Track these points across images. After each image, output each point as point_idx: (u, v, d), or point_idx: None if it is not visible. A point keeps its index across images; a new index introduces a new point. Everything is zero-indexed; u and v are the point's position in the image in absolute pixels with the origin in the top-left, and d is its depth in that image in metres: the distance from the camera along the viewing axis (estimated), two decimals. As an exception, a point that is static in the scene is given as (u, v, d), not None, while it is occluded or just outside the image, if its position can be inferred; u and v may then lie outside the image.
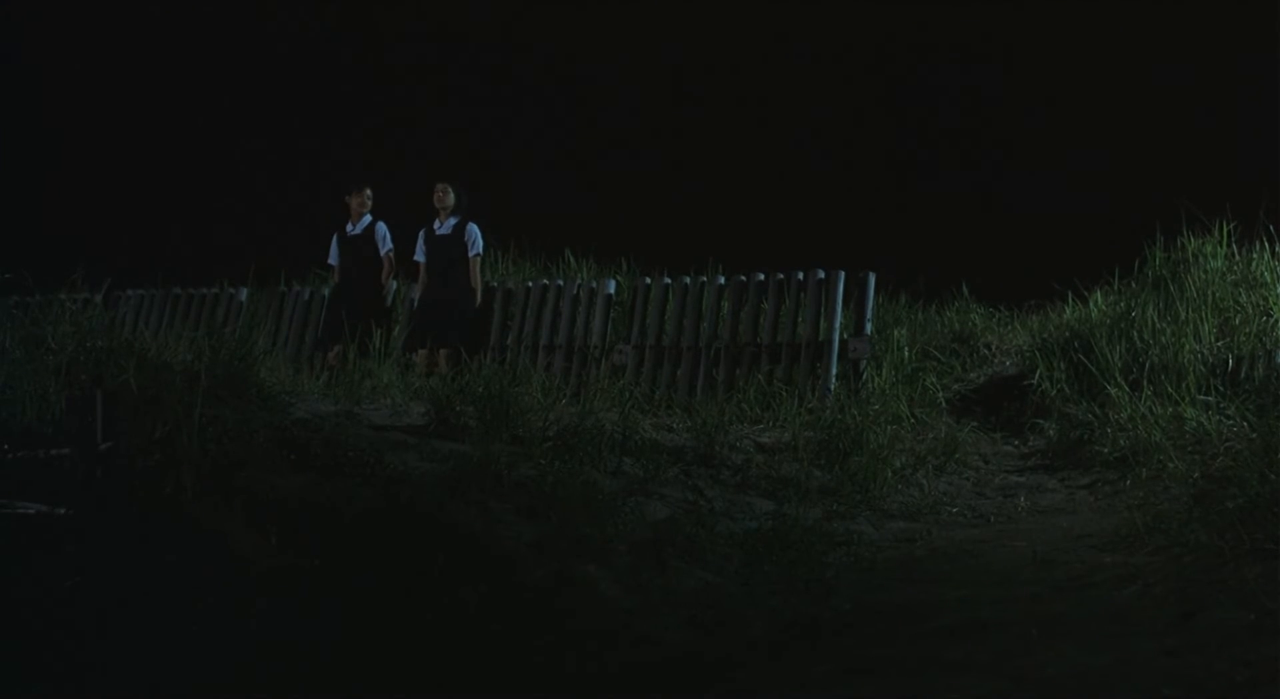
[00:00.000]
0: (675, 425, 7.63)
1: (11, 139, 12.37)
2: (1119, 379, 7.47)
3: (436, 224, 9.88)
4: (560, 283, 9.90)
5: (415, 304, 9.90)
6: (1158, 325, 7.88)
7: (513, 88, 15.51)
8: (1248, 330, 7.72)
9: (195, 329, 9.94)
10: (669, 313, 9.34)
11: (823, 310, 8.75)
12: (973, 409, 8.41)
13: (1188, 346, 7.59)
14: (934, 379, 8.63)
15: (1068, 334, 8.40)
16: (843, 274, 8.83)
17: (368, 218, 10.20)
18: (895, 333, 9.04)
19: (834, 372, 8.52)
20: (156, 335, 8.28)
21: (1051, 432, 7.58)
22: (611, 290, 9.68)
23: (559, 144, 14.80)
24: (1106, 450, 6.95)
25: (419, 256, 9.91)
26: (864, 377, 8.42)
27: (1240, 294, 8.10)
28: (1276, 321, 7.74)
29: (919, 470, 6.95)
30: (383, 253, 10.12)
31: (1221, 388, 7.21)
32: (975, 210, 12.85)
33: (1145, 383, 7.40)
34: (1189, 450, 6.38)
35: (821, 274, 8.88)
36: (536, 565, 4.86)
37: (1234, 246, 8.64)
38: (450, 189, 9.89)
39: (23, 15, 14.34)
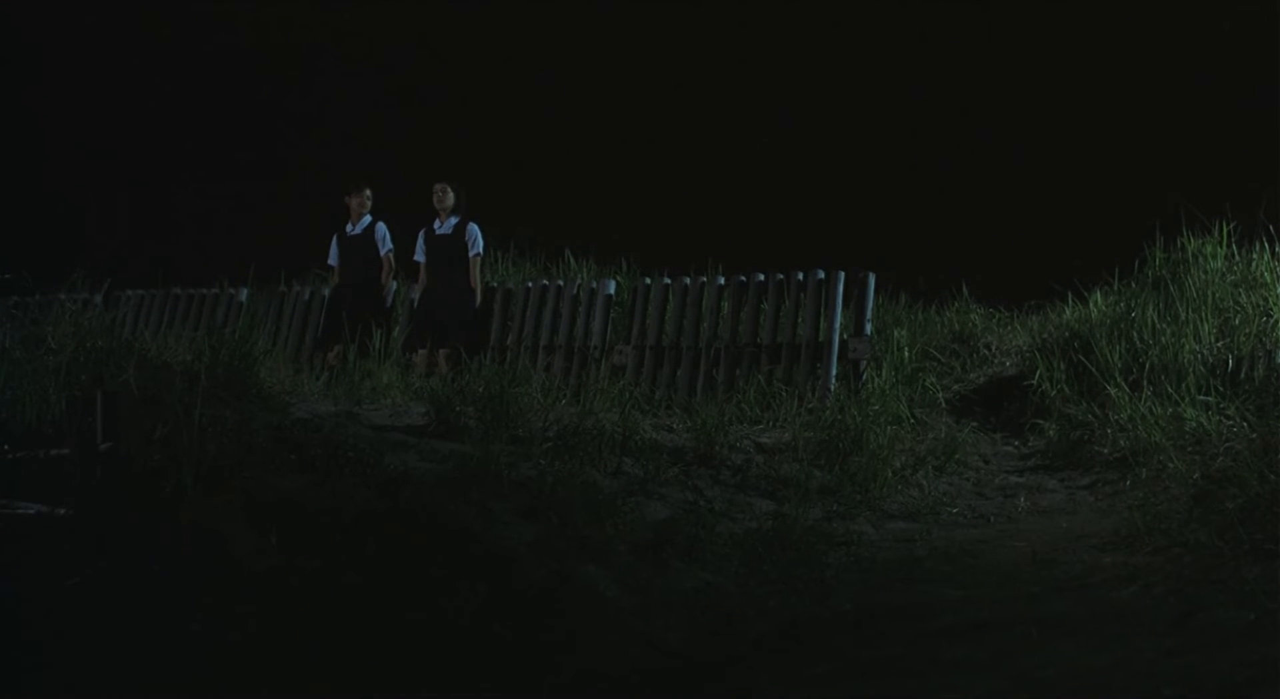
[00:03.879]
0: (675, 425, 7.63)
1: (11, 139, 12.37)
2: (1119, 379, 7.47)
3: (436, 224, 9.87)
4: (560, 283, 9.90)
5: (415, 304, 9.90)
6: (1158, 325, 7.88)
7: (512, 87, 15.51)
8: (1248, 330, 7.72)
9: (195, 329, 9.95)
10: (669, 313, 9.34)
11: (823, 311, 8.75)
12: (973, 409, 8.41)
13: (1188, 347, 7.59)
14: (934, 379, 8.63)
15: (1068, 334, 8.40)
16: (842, 274, 8.82)
17: (368, 218, 10.19)
18: (895, 333, 9.03)
19: (834, 372, 8.52)
20: (156, 335, 8.28)
21: (1051, 432, 7.58)
22: (611, 290, 9.67)
23: (558, 144, 14.80)
24: (1106, 450, 6.96)
25: (419, 256, 9.90)
26: (864, 377, 8.42)
27: (1240, 294, 8.10)
28: (1276, 322, 7.73)
29: (919, 470, 6.95)
30: (383, 253, 10.12)
31: (1221, 388, 7.21)
32: (975, 210, 12.84)
33: (1145, 383, 7.40)
34: (1189, 450, 6.38)
35: (821, 274, 8.88)
36: (536, 565, 4.86)
37: (1234, 247, 8.64)
38: (450, 189, 9.89)
39: (23, 14, 14.34)
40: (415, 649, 4.20)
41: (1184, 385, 7.19)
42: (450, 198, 9.86)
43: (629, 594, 4.90)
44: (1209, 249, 8.64)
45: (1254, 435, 5.60)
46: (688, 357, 9.10)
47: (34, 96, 14.26)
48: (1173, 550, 4.85)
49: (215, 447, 4.94)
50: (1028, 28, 13.36)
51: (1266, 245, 8.49)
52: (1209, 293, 8.09)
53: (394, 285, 10.29)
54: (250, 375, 6.13)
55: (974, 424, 8.07)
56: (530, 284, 10.00)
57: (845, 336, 8.66)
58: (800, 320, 8.85)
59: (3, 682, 3.80)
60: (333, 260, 10.30)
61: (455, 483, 5.57)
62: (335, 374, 8.81)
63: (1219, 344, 7.66)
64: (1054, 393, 7.88)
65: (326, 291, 10.49)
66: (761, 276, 9.15)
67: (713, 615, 4.75)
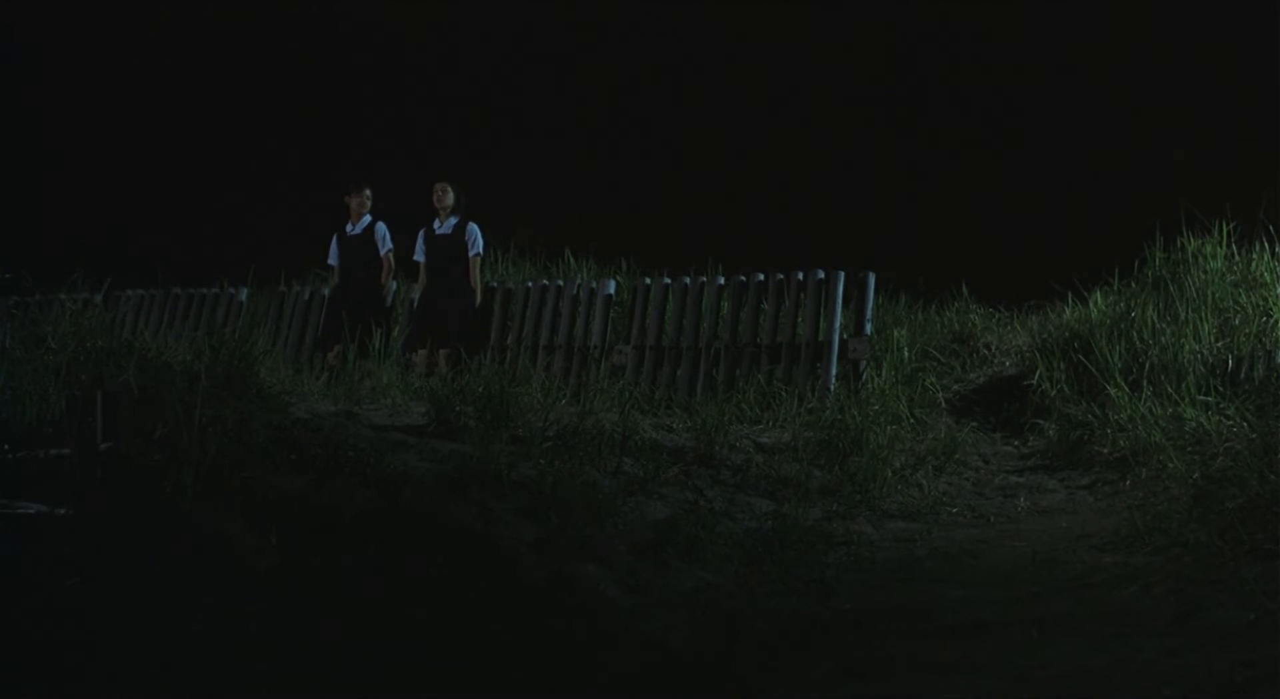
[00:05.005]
0: (675, 425, 7.63)
1: (12, 139, 12.37)
2: (1119, 379, 7.47)
3: (436, 224, 9.87)
4: (560, 283, 9.90)
5: (415, 304, 9.90)
6: (1158, 325, 7.88)
7: (512, 87, 15.51)
8: (1248, 330, 7.72)
9: (195, 329, 9.95)
10: (669, 313, 9.34)
11: (822, 311, 8.75)
12: (973, 409, 8.41)
13: (1188, 347, 7.60)
14: (934, 379, 8.63)
15: (1068, 334, 8.39)
16: (842, 274, 8.83)
17: (368, 218, 10.19)
18: (895, 333, 9.03)
19: (834, 372, 8.52)
20: (156, 335, 8.28)
21: (1051, 432, 7.58)
22: (611, 290, 9.67)
23: (559, 144, 14.81)
24: (1106, 450, 6.95)
25: (419, 256, 9.91)
26: (864, 377, 8.42)
27: (1240, 294, 8.10)
28: (1276, 322, 7.74)
29: (919, 470, 6.95)
30: (382, 253, 10.12)
31: (1221, 388, 7.21)
32: (975, 210, 12.84)
33: (1145, 383, 7.40)
34: (1189, 450, 6.38)
35: (821, 274, 8.88)
36: (536, 565, 4.87)
37: (1234, 246, 8.64)
38: (450, 189, 9.89)
39: (23, 15, 14.34)
40: (415, 649, 4.20)
41: (1184, 385, 7.19)
42: (450, 197, 9.86)
43: (629, 594, 4.90)
44: (1209, 249, 8.64)
45: (1254, 435, 5.60)
46: (688, 357, 9.10)
47: (34, 96, 14.26)
48: (1173, 550, 4.86)
49: (215, 446, 4.94)
50: (1029, 28, 13.36)
51: (1266, 245, 8.49)
52: (1209, 293, 8.09)
53: (394, 285, 10.29)
54: (250, 375, 6.13)
55: (974, 424, 8.07)
56: (530, 284, 10.00)
57: (845, 336, 8.66)
58: (800, 320, 8.85)
59: (3, 683, 3.79)
60: (333, 260, 10.30)
61: (455, 483, 5.57)
62: (335, 374, 8.81)
63: (1219, 344, 7.66)
64: (1054, 393, 7.88)
65: (326, 291, 10.49)
66: (761, 276, 9.15)
67: (713, 615, 4.75)
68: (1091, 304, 8.77)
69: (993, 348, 9.23)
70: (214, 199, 15.13)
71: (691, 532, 5.51)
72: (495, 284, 10.14)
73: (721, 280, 9.27)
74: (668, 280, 9.46)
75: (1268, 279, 8.18)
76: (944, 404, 8.37)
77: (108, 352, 5.43)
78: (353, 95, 15.88)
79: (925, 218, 13.09)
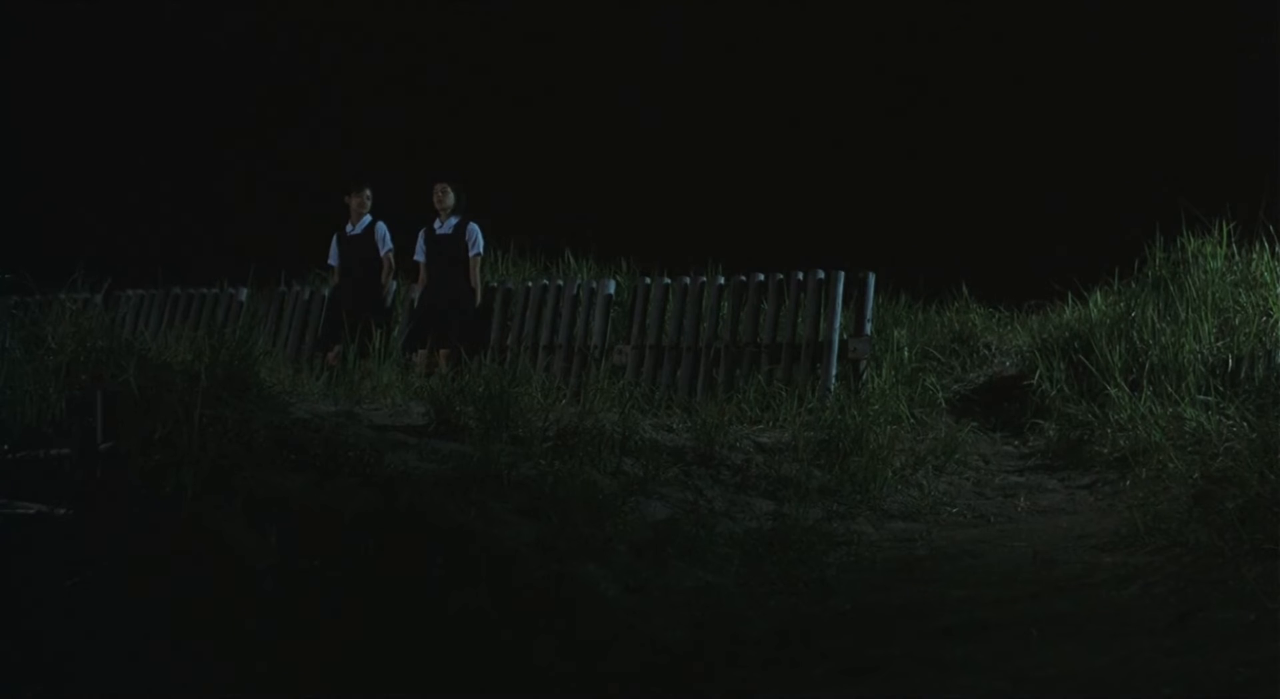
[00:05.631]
0: (675, 425, 7.63)
1: (11, 139, 12.37)
2: (1119, 379, 7.47)
3: (437, 224, 9.87)
4: (560, 283, 9.90)
5: (415, 304, 9.90)
6: (1158, 325, 7.88)
7: (512, 87, 15.52)
8: (1248, 330, 7.72)
9: (195, 329, 9.94)
10: (669, 313, 9.34)
11: (823, 310, 8.75)
12: (973, 409, 8.41)
13: (1188, 346, 7.59)
14: (934, 379, 8.63)
15: (1068, 334, 8.39)
16: (842, 274, 8.83)
17: (368, 218, 10.19)
18: (895, 333, 9.03)
19: (834, 372, 8.52)
20: (156, 335, 8.28)
21: (1051, 432, 7.58)
22: (611, 290, 9.67)
23: (559, 144, 14.80)
24: (1106, 450, 6.95)
25: (419, 256, 9.91)
26: (864, 377, 8.42)
27: (1240, 294, 8.10)
28: (1276, 322, 7.74)
29: (919, 470, 6.95)
30: (383, 253, 10.12)
31: (1221, 388, 7.21)
32: (975, 211, 12.84)
33: (1145, 383, 7.40)
34: (1189, 450, 6.38)
35: (821, 274, 8.88)
36: (536, 565, 4.87)
37: (1234, 246, 8.64)
38: (450, 189, 9.89)
39: (20, 14, 14.34)
40: (415, 649, 4.20)
41: (1184, 385, 7.19)
42: (450, 198, 9.86)
43: (629, 594, 4.90)
44: (1209, 249, 8.63)
45: (1254, 435, 5.59)
46: (688, 357, 9.10)
47: (33, 96, 14.26)
48: (1173, 550, 4.86)
49: (215, 447, 4.94)
50: (1029, 27, 13.36)
51: (1266, 245, 8.48)
52: (1209, 293, 8.09)
53: (394, 285, 10.29)
54: (250, 375, 6.12)
55: (974, 424, 8.07)
56: (530, 284, 10.00)
57: (845, 336, 8.66)
58: (800, 320, 8.85)
59: (3, 683, 3.79)
60: (333, 260, 10.30)
61: (455, 483, 5.57)
62: (335, 374, 8.80)
63: (1219, 344, 7.66)
64: (1054, 393, 7.88)
65: (326, 291, 10.49)
66: (761, 276, 9.15)
67: (713, 615, 4.75)
68: (1091, 304, 8.77)
69: (993, 348, 9.24)
70: (214, 199, 15.13)
71: (691, 532, 5.51)
72: (495, 284, 10.14)
73: (721, 280, 9.27)
74: (668, 280, 9.46)
75: (1268, 279, 8.18)
76: (944, 404, 8.37)
77: (108, 351, 5.43)
78: (353, 94, 15.88)
79: (925, 218, 13.09)
